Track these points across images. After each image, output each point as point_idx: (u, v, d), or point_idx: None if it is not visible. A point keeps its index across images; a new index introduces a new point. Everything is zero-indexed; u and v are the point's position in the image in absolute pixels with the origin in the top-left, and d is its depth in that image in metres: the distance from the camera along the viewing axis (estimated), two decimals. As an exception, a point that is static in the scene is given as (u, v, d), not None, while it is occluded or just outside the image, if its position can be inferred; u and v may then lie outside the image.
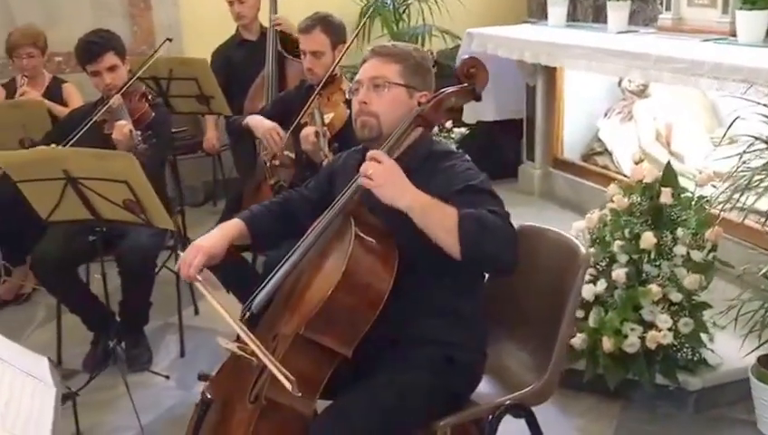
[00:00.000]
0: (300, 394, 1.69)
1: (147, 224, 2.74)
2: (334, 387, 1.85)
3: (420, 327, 1.95)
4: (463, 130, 4.45)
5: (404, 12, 5.58)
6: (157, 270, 3.36)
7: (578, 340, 2.85)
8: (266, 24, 4.40)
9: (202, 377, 1.99)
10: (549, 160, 4.96)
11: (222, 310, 1.91)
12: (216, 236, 2.08)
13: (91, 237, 2.89)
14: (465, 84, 1.96)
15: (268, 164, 3.40)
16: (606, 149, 4.62)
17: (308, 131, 2.96)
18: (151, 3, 5.34)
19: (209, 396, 1.90)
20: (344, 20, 3.42)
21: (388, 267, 1.82)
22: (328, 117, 3.03)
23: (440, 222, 1.77)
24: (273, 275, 2.02)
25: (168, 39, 3.57)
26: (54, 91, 4.34)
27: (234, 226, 2.14)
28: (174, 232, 3.28)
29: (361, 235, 1.83)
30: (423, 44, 5.43)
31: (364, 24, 4.77)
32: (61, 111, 4.11)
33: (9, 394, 1.48)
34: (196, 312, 3.75)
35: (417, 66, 2.05)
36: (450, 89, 1.95)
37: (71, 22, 4.76)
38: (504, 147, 5.22)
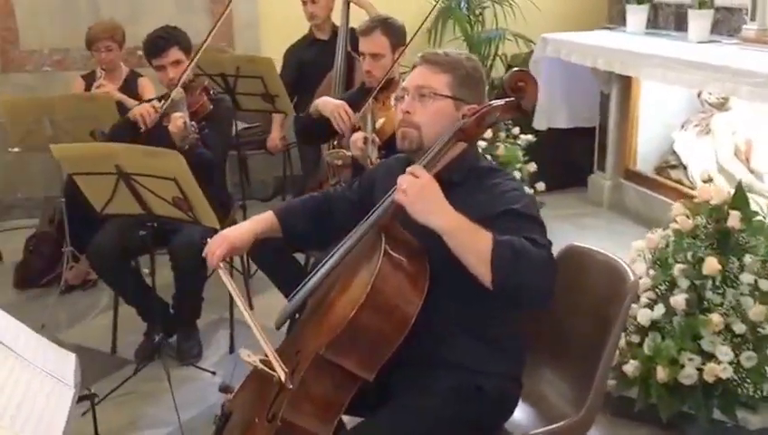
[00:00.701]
0: (291, 386, 1.68)
1: (194, 221, 2.77)
2: (354, 403, 1.78)
3: (449, 352, 1.86)
4: (530, 136, 4.33)
5: (479, 15, 5.48)
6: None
7: (630, 367, 2.71)
8: (339, 23, 4.39)
9: (223, 389, 1.97)
10: (620, 171, 4.78)
11: (241, 304, 1.93)
12: (243, 229, 2.08)
13: (141, 232, 2.93)
14: (512, 99, 1.86)
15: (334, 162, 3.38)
16: (681, 163, 4.42)
17: (357, 137, 2.92)
18: (232, -1, 5.41)
19: (228, 409, 1.88)
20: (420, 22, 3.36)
21: (417, 289, 1.73)
22: (379, 122, 2.98)
23: (473, 246, 1.67)
24: (305, 284, 1.99)
25: None
26: (131, 85, 4.46)
27: (264, 219, 2.12)
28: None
29: (391, 252, 1.74)
30: (496, 49, 5.33)
31: (434, 24, 4.68)
32: (133, 104, 4.20)
33: (24, 394, 1.49)
34: (250, 307, 3.76)
35: (468, 77, 1.96)
36: (495, 103, 1.86)
37: (154, 17, 4.82)
38: (574, 155, 5.06)
